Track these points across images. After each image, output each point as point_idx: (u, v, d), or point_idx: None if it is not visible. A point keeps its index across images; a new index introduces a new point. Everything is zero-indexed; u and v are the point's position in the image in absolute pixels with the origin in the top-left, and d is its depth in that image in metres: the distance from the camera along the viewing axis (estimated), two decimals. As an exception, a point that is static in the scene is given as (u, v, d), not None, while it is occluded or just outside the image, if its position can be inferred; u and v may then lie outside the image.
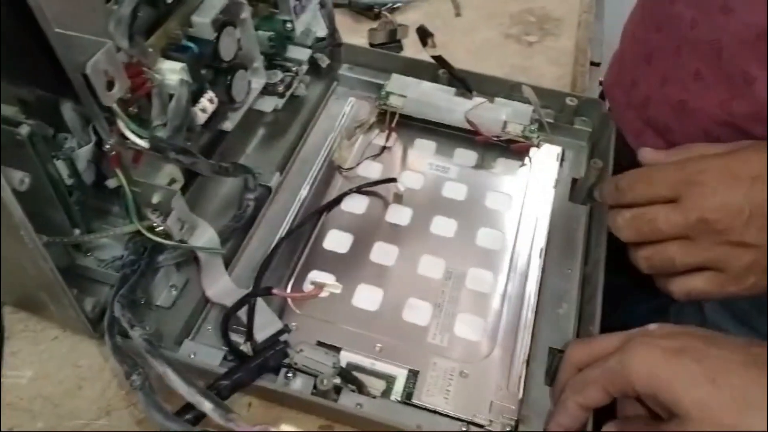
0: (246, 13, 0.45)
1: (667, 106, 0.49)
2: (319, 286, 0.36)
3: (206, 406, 0.29)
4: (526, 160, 0.56)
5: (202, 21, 0.41)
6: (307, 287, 0.44)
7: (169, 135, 0.40)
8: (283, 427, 0.41)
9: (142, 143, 0.37)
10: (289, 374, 0.40)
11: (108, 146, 0.37)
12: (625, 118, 0.55)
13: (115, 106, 0.35)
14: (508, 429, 0.39)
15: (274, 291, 0.39)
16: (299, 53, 0.53)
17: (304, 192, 0.51)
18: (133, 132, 0.37)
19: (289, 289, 0.45)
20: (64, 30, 0.32)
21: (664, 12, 0.48)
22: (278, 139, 0.55)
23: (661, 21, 0.49)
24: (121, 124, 0.36)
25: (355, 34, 0.69)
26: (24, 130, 0.34)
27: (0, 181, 0.31)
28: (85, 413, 0.41)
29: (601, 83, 0.75)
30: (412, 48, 0.67)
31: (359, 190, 0.51)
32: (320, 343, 0.42)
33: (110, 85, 0.34)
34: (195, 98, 0.42)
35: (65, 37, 0.32)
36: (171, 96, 0.40)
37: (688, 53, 0.46)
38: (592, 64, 0.75)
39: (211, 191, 0.50)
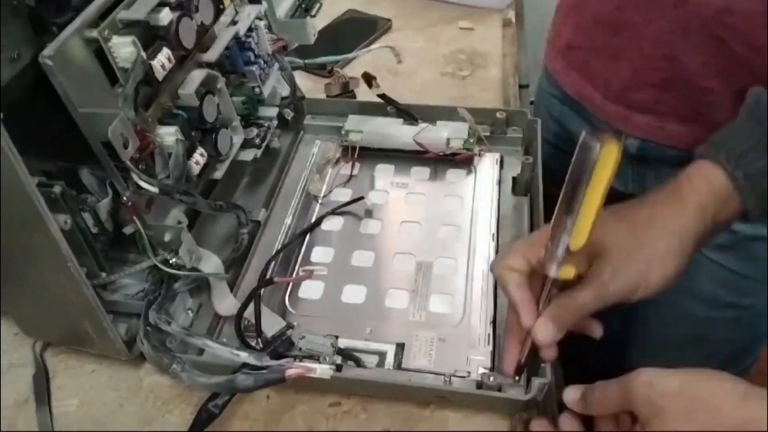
0: (221, 83, 0.56)
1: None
2: (309, 271, 0.44)
3: (243, 355, 0.37)
4: (472, 168, 0.66)
5: (187, 93, 0.52)
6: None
7: (173, 183, 0.49)
8: (299, 408, 0.48)
9: (154, 189, 0.46)
10: (297, 362, 0.48)
11: (125, 197, 0.47)
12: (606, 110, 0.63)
13: (128, 163, 0.45)
14: (483, 375, 0.47)
15: (276, 279, 0.47)
16: (269, 111, 0.64)
17: (288, 221, 0.61)
18: (145, 181, 0.46)
19: (287, 298, 0.53)
20: (85, 109, 0.42)
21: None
22: (261, 183, 0.64)
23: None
24: (135, 177, 0.46)
25: (315, 92, 0.81)
26: (57, 189, 0.44)
27: (49, 227, 0.40)
28: (129, 426, 0.48)
29: (532, 102, 0.87)
30: (364, 95, 0.78)
31: (334, 212, 0.61)
32: (319, 335, 0.50)
33: (125, 145, 0.43)
34: (189, 154, 0.52)
35: (87, 114, 0.42)
36: (170, 154, 0.50)
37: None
38: (521, 86, 0.87)
39: (210, 230, 0.59)
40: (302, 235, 0.59)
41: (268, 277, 0.52)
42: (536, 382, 0.44)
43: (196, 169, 0.52)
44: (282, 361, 0.35)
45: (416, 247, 0.58)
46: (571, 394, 0.42)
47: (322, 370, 0.35)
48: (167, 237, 0.49)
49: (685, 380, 0.35)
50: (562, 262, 0.38)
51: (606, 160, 0.34)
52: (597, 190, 0.35)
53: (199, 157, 0.53)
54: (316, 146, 0.69)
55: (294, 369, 0.34)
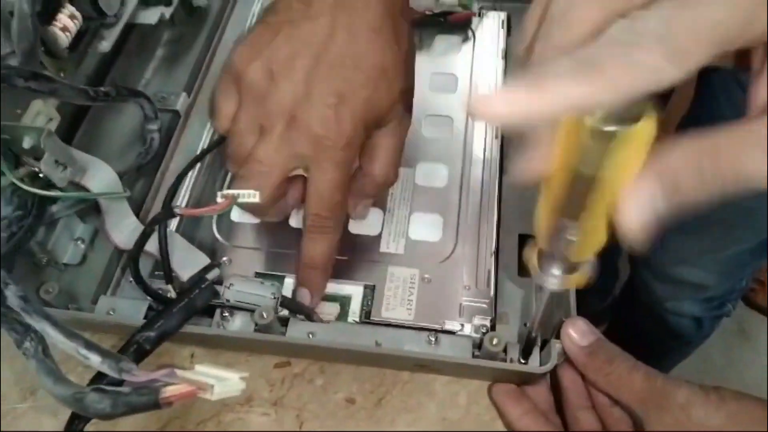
0: None
1: None
2: (230, 197, 0.29)
3: (94, 359, 0.24)
4: (469, 32, 0.49)
5: None
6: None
7: (21, 62, 0.33)
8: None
9: (-24, 71, 0.30)
10: (225, 314, 0.35)
11: (-57, 85, 0.30)
12: None
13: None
14: (483, 330, 0.35)
15: (176, 210, 0.33)
16: (184, -50, 0.45)
17: (218, 111, 0.44)
18: (-37, 60, 0.30)
19: (214, 224, 0.39)
20: None
21: None
22: (183, 58, 0.47)
23: None
24: (-56, 52, 0.29)
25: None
26: None
27: None
28: (6, 399, 0.36)
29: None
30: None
31: (281, 98, 0.44)
32: (258, 274, 0.37)
33: None
34: (48, 16, 0.35)
35: None
36: (11, 13, 0.32)
37: None
38: None
39: (109, 128, 0.43)
40: (236, 132, 0.43)
41: (179, 201, 0.37)
42: (555, 346, 0.31)
43: (63, 39, 0.35)
44: (158, 374, 0.21)
45: (393, 146, 0.43)
46: (580, 329, 0.31)
47: (222, 387, 0.21)
48: (27, 142, 0.33)
49: (730, 415, 0.28)
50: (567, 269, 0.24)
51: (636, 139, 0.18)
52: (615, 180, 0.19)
53: (67, 21, 0.36)
54: (258, 4, 0.51)
55: (175, 389, 0.21)
